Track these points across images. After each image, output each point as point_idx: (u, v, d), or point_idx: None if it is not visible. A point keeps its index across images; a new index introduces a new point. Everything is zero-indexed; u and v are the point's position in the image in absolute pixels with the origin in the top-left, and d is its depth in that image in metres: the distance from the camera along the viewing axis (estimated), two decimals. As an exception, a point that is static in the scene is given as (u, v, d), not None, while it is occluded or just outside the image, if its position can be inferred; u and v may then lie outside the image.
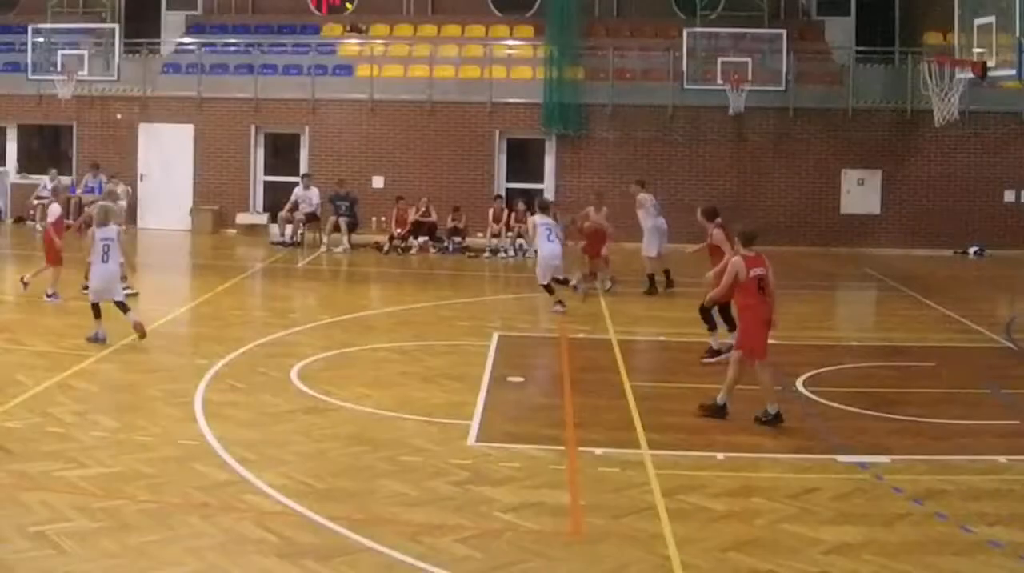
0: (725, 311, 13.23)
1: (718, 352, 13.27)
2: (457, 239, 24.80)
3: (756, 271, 10.94)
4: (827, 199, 26.47)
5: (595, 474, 9.17)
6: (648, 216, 19.49)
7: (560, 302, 16.83)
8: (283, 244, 24.83)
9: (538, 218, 17.42)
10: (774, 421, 10.65)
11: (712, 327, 13.53)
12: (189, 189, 27.18)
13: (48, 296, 16.50)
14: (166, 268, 22.50)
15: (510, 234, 24.44)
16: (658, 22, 28.83)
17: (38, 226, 26.13)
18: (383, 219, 25.87)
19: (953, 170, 26.22)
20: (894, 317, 18.09)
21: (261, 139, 27.55)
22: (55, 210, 17.70)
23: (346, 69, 27.63)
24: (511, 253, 24.21)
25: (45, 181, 26.82)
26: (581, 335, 15.27)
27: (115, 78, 26.32)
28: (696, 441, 10.15)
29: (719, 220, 14.15)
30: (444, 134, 26.70)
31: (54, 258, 16.86)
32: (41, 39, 26.34)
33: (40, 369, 12.17)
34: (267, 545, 7.47)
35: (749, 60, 25.42)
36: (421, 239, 24.95)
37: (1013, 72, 16.38)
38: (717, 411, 10.88)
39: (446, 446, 9.84)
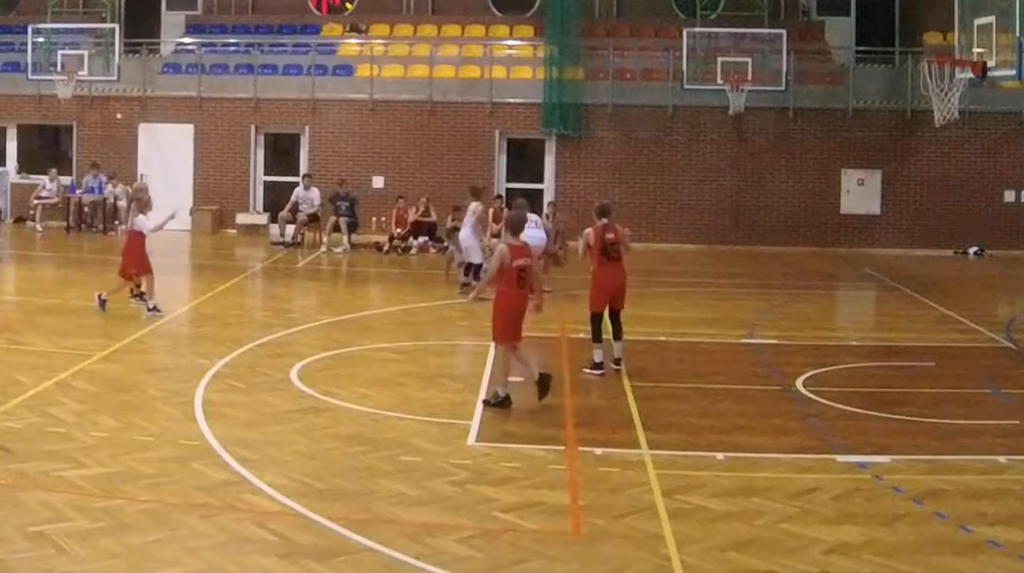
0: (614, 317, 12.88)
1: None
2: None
3: (519, 262, 11.18)
4: (827, 199, 26.49)
5: (595, 474, 9.16)
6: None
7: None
8: (283, 244, 24.82)
9: (472, 204, 18.73)
10: (502, 404, 11.00)
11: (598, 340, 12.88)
12: (189, 189, 27.17)
13: (149, 309, 15.49)
14: (166, 268, 22.45)
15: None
16: (658, 22, 28.88)
17: (38, 226, 26.20)
18: (383, 219, 25.88)
19: (953, 170, 26.24)
20: (894, 317, 18.08)
21: (261, 139, 27.56)
22: (139, 222, 15.89)
23: (346, 69, 27.64)
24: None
25: (45, 181, 26.89)
26: (581, 335, 15.25)
27: (115, 78, 26.32)
28: (696, 441, 10.15)
29: (604, 220, 13.00)
30: (444, 134, 26.71)
31: (144, 266, 15.73)
32: (41, 39, 26.34)
33: (40, 369, 12.16)
34: (267, 545, 7.46)
35: (749, 60, 25.43)
36: (421, 239, 24.96)
37: (1013, 72, 16.38)
38: (502, 402, 11.09)
39: (446, 446, 9.83)
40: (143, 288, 15.80)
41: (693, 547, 7.58)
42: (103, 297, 15.62)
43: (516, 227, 11.62)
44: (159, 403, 11.03)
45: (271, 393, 11.57)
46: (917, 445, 10.18)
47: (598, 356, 12.76)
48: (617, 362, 12.80)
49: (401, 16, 29.77)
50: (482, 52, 27.79)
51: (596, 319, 12.87)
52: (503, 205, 24.79)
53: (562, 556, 7.46)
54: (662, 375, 12.95)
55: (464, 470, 9.14)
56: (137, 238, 15.76)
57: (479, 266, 17.89)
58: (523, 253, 11.34)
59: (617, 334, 12.94)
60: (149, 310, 15.52)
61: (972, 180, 26.17)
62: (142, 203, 16.11)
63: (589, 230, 12.94)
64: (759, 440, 10.21)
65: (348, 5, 30.60)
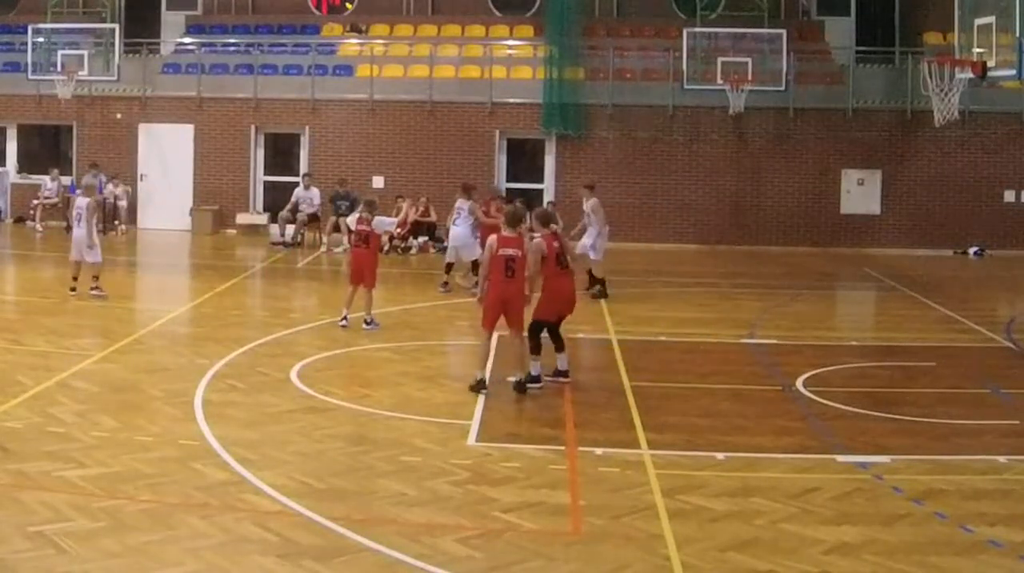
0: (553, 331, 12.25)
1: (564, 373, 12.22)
2: (457, 239, 24.75)
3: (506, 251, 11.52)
4: (827, 199, 26.49)
5: (595, 474, 9.16)
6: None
7: (446, 283, 18.62)
8: (283, 244, 24.83)
9: (458, 202, 18.97)
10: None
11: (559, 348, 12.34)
12: (189, 189, 27.17)
13: (367, 324, 15.02)
14: (166, 268, 22.50)
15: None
16: (658, 22, 28.87)
17: (38, 226, 26.20)
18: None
19: (953, 170, 26.24)
20: (894, 317, 18.08)
21: (261, 139, 27.55)
22: (385, 222, 15.58)
23: (346, 69, 27.64)
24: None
25: (46, 181, 26.89)
26: (581, 335, 15.26)
27: (115, 78, 26.30)
28: (696, 441, 10.14)
29: (554, 227, 12.46)
30: (444, 134, 26.71)
31: (372, 278, 15.29)
32: (41, 39, 26.33)
33: (40, 369, 12.16)
34: (267, 545, 7.46)
35: (749, 60, 25.42)
36: (421, 239, 24.96)
37: (1013, 72, 16.38)
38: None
39: (446, 446, 9.83)
40: (369, 303, 15.10)
41: (693, 547, 7.58)
42: (370, 319, 15.09)
43: (512, 220, 11.72)
44: (159, 403, 11.02)
45: (271, 393, 11.57)
46: (917, 445, 10.17)
47: (535, 369, 11.94)
48: (564, 374, 12.10)
49: (401, 16, 29.76)
50: (482, 52, 27.79)
51: (537, 329, 12.03)
52: (502, 204, 24.86)
53: (562, 556, 7.46)
54: (662, 375, 12.94)
55: (464, 470, 9.14)
56: (377, 242, 15.46)
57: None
58: (511, 243, 11.33)
59: (559, 346, 12.19)
60: (368, 324, 14.98)
61: (972, 180, 26.17)
62: (373, 206, 15.71)
63: (539, 239, 12.10)
64: (759, 440, 10.21)
65: (348, 5, 30.59)
